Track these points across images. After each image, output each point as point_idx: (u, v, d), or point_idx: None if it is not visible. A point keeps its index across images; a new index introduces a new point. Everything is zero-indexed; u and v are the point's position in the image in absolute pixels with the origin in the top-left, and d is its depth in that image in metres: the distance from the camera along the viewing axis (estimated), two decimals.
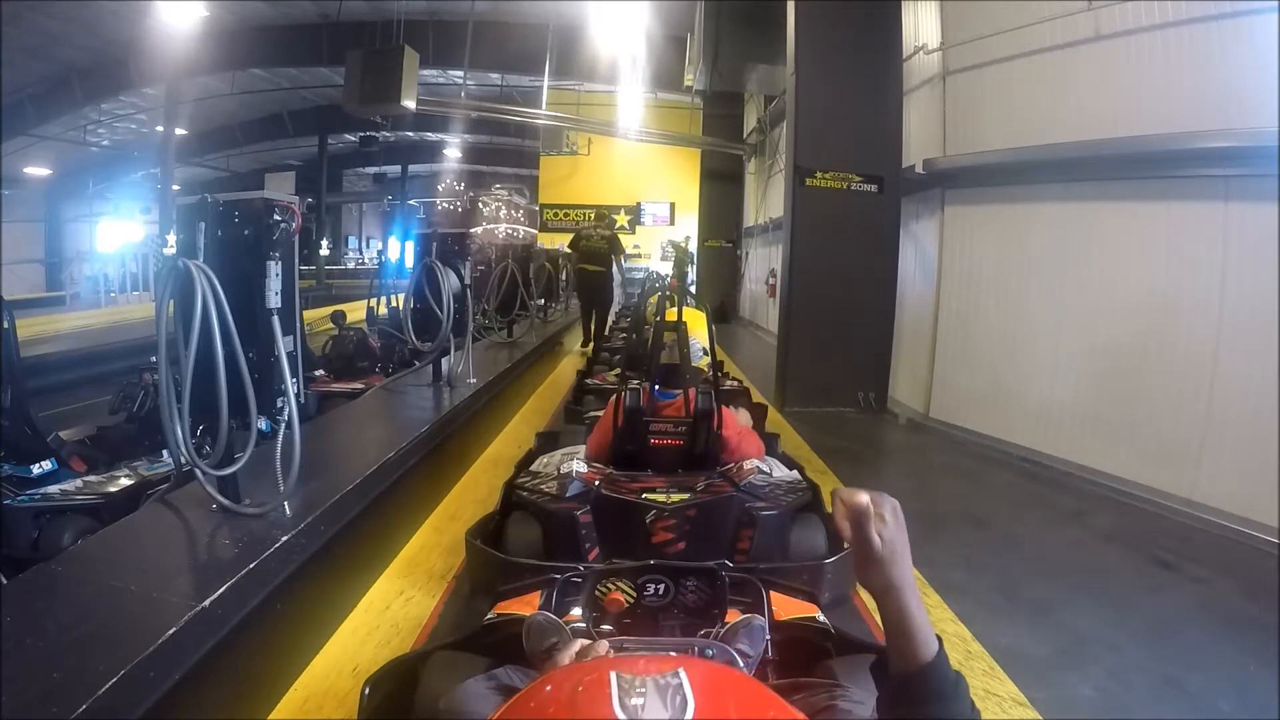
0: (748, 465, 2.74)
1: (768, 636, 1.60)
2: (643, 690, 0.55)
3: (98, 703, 1.27)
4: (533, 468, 2.95)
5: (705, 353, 3.22)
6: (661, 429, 2.82)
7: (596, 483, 2.56)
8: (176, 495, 2.27)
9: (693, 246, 15.35)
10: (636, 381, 2.96)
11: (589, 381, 5.08)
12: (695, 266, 14.98)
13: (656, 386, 2.94)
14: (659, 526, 2.43)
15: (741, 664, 1.09)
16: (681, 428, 2.81)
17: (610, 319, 8.38)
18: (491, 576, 2.33)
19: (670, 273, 13.30)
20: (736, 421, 2.94)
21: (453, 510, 3.43)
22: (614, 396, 2.85)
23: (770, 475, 2.79)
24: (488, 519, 2.72)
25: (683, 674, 0.57)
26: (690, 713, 0.53)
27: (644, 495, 2.48)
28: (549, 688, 0.62)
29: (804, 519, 2.69)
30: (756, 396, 5.27)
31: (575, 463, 2.72)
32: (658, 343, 2.96)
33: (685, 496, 2.48)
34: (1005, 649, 2.28)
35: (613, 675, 0.57)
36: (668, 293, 3.96)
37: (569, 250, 8.35)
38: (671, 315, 3.01)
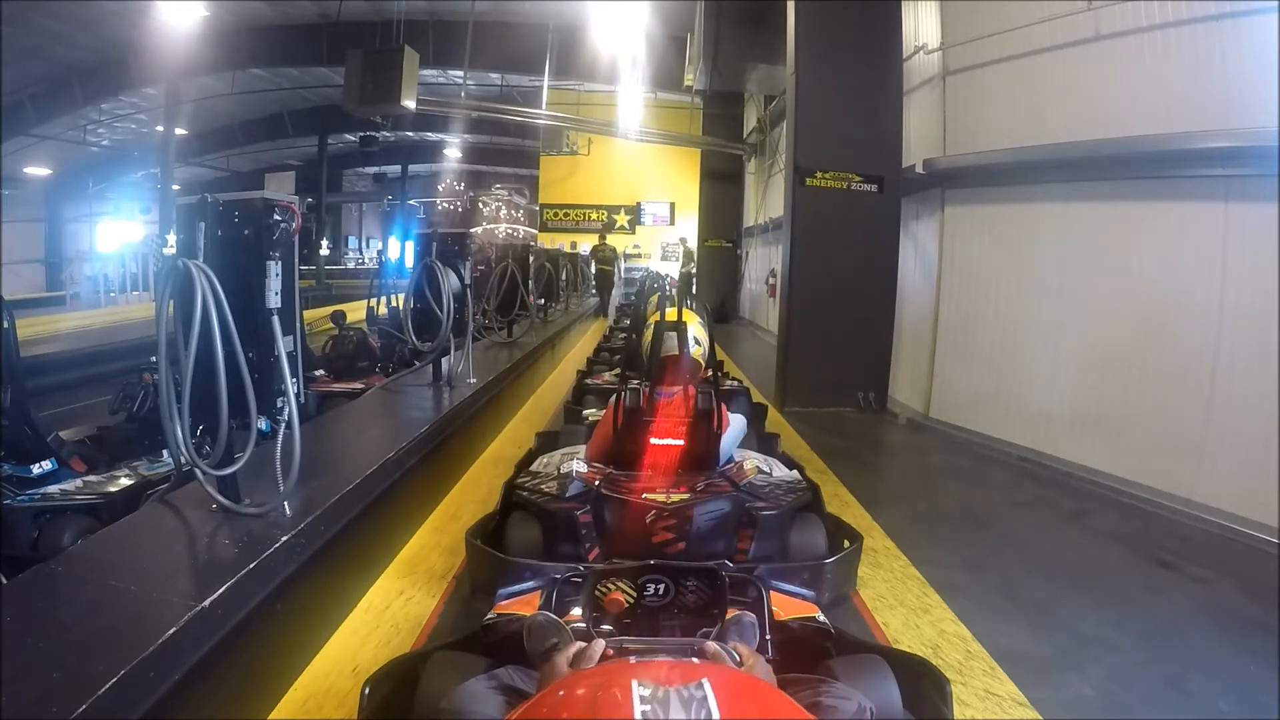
0: (748, 465, 2.73)
1: (767, 636, 1.60)
2: (664, 699, 0.55)
3: (98, 703, 1.27)
4: (533, 468, 2.95)
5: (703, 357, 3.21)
6: (661, 429, 2.81)
7: (596, 482, 2.56)
8: (176, 495, 2.26)
9: (691, 245, 15.41)
10: (636, 381, 2.96)
11: (589, 381, 5.08)
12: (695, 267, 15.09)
13: (655, 387, 2.93)
14: (659, 526, 2.43)
15: (733, 662, 1.10)
16: (681, 428, 2.80)
17: (616, 299, 13.42)
18: (491, 576, 2.34)
19: (677, 270, 14.67)
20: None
21: (453, 510, 3.43)
22: (614, 396, 2.84)
23: (770, 475, 2.79)
24: (488, 519, 2.72)
25: (707, 685, 0.57)
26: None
27: (644, 495, 2.48)
28: (565, 691, 0.62)
29: (804, 519, 2.70)
30: (757, 396, 5.27)
31: (575, 463, 2.71)
32: (657, 343, 2.95)
33: (685, 496, 2.48)
34: (1005, 649, 2.28)
35: (634, 684, 0.58)
36: (668, 291, 3.95)
37: (591, 256, 13.77)
38: (672, 315, 3.00)
